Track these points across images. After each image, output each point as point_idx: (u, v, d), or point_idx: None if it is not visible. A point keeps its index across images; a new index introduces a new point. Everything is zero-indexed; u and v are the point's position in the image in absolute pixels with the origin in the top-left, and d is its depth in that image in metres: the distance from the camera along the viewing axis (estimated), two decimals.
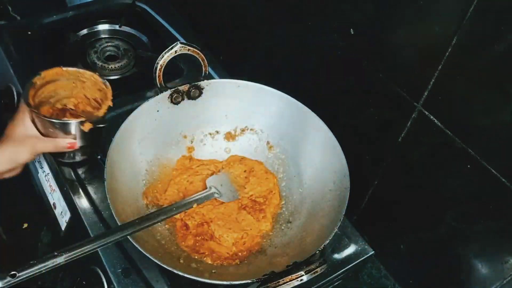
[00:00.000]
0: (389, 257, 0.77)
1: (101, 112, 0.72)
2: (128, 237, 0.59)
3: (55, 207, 0.84)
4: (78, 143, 0.72)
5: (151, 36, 1.07)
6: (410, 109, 0.62)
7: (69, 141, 0.71)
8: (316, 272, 0.58)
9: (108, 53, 1.03)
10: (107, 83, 0.77)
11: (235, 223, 0.72)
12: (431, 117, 0.60)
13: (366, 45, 0.67)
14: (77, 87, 0.78)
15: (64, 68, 0.76)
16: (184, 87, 0.77)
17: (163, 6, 1.16)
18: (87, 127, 0.71)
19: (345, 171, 0.69)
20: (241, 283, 0.59)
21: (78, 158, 0.80)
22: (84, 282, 0.74)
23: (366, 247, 0.76)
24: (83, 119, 0.71)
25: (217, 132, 0.84)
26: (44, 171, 0.86)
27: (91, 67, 0.97)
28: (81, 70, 0.77)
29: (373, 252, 0.76)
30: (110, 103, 0.74)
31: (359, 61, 0.68)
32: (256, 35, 0.92)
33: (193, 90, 0.78)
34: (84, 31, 1.06)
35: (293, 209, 0.76)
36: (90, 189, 0.78)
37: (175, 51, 0.71)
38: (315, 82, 0.81)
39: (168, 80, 0.75)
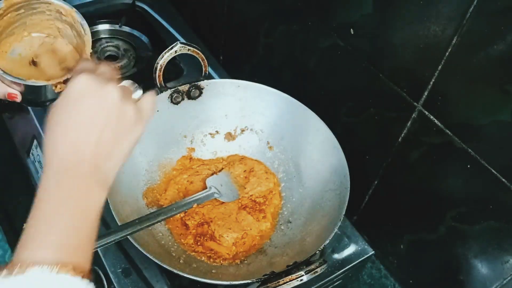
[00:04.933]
0: (389, 257, 0.77)
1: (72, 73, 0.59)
2: (128, 237, 0.59)
3: None
4: (48, 97, 0.62)
5: (151, 36, 1.07)
6: (410, 109, 0.62)
7: (11, 91, 0.60)
8: (316, 272, 0.58)
9: (108, 53, 1.03)
10: (87, 27, 0.62)
11: (235, 223, 0.72)
12: (431, 117, 0.60)
13: (366, 45, 0.67)
14: (52, 26, 0.63)
15: None
16: (184, 87, 0.77)
17: (163, 6, 1.16)
18: (60, 88, 0.61)
19: (345, 171, 0.69)
20: (241, 283, 0.59)
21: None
22: None
23: (366, 247, 0.76)
24: (56, 80, 0.60)
25: (217, 132, 0.84)
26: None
27: None
28: (58, 2, 0.62)
29: (373, 252, 0.76)
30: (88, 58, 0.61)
31: (359, 61, 0.68)
32: (256, 35, 0.92)
33: (193, 90, 0.78)
34: None
35: (293, 209, 0.76)
36: None
37: (175, 51, 0.71)
38: (315, 82, 0.81)
39: (168, 80, 0.75)
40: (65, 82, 0.60)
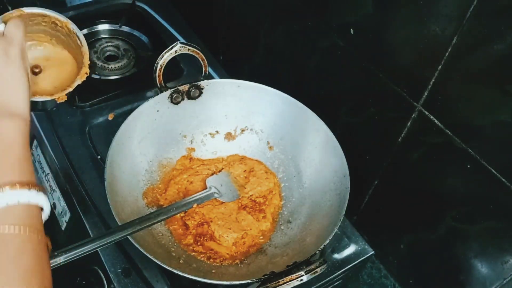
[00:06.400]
0: (389, 257, 0.77)
1: (73, 86, 0.64)
2: (128, 237, 0.59)
3: (55, 207, 0.84)
4: (47, 105, 0.64)
5: (151, 36, 1.07)
6: (410, 109, 0.62)
7: None
8: (316, 272, 0.58)
9: (108, 53, 1.03)
10: (83, 38, 0.64)
11: (235, 223, 0.72)
12: (431, 117, 0.60)
13: (366, 45, 0.67)
14: (48, 36, 0.65)
15: (28, 10, 0.60)
16: (184, 87, 0.77)
17: (163, 6, 1.16)
18: (62, 99, 0.64)
19: (345, 171, 0.69)
20: (241, 283, 0.59)
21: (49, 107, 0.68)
22: (84, 282, 0.74)
23: (366, 247, 0.76)
24: (58, 95, 0.62)
25: (217, 132, 0.84)
26: (44, 171, 0.86)
27: (91, 68, 0.97)
28: (53, 14, 0.63)
29: (373, 252, 0.76)
30: (87, 70, 0.64)
31: (359, 61, 0.68)
32: (256, 35, 0.92)
33: (193, 90, 0.78)
34: (84, 31, 1.06)
35: (293, 209, 0.76)
36: (90, 189, 0.78)
37: (175, 51, 0.71)
38: (315, 82, 0.81)
39: (168, 80, 0.75)
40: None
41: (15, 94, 0.51)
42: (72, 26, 0.64)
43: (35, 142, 0.89)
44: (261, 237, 0.73)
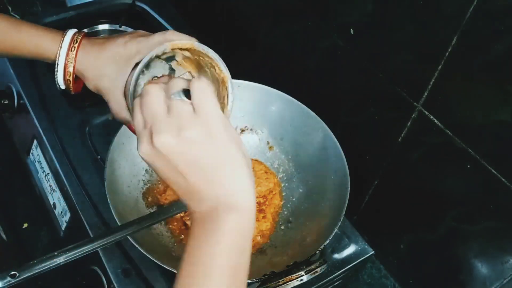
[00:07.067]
0: (389, 257, 0.77)
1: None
2: (128, 237, 0.59)
3: (55, 207, 0.84)
4: None
5: None
6: (410, 109, 0.62)
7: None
8: (316, 272, 0.58)
9: None
10: (232, 100, 0.52)
11: None
12: (431, 117, 0.60)
13: (366, 45, 0.67)
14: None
15: (199, 47, 0.51)
16: None
17: (163, 6, 1.16)
18: None
19: (345, 171, 0.69)
20: None
21: None
22: (84, 282, 0.74)
23: (366, 247, 0.76)
24: None
25: None
26: (44, 171, 0.86)
27: None
28: (221, 63, 0.51)
29: (373, 252, 0.76)
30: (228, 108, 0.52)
31: (359, 61, 0.68)
32: (256, 35, 0.92)
33: None
34: (84, 31, 1.05)
35: (293, 209, 0.76)
36: (90, 189, 0.78)
37: None
38: (315, 82, 0.81)
39: None
40: None
41: (235, 181, 0.42)
42: (229, 83, 0.53)
43: (35, 142, 0.89)
44: (261, 237, 0.73)
